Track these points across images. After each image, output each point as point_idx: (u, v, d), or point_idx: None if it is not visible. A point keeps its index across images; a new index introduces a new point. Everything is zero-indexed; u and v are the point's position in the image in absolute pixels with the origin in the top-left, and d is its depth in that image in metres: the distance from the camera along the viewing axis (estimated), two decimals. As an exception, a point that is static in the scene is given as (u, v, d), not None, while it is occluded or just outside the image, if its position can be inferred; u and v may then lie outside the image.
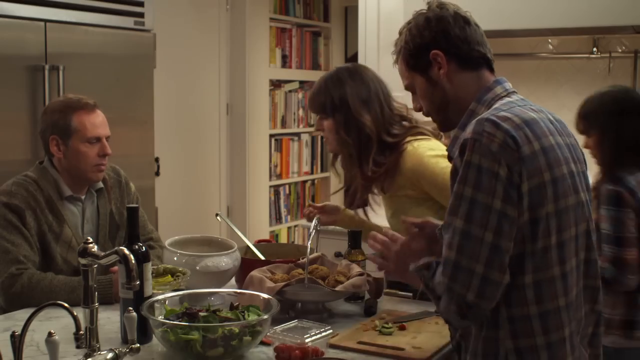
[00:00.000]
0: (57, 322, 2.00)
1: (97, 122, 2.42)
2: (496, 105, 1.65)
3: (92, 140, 2.39)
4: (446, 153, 2.12)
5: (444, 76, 1.71)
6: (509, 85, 1.75)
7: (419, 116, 2.27)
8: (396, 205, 2.37)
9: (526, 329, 1.56)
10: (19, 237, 2.30)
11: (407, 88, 1.82)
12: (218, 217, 2.71)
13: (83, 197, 2.47)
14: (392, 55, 1.85)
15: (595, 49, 3.70)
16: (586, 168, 1.72)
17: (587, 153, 2.02)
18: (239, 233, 2.61)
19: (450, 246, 1.53)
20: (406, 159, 2.26)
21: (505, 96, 1.70)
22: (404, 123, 2.35)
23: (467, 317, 1.55)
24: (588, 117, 2.49)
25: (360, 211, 2.50)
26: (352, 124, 2.29)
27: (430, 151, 2.23)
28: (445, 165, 2.15)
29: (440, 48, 1.70)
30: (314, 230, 2.27)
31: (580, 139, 1.94)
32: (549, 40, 3.86)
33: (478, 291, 1.50)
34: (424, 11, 1.76)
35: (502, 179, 1.50)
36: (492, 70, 1.77)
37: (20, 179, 2.41)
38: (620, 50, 3.71)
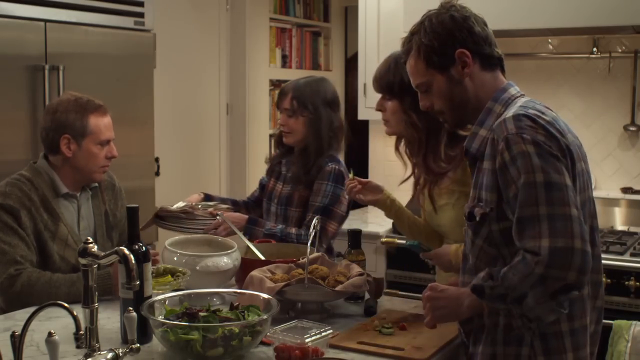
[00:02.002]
0: (57, 322, 2.00)
1: (109, 125, 2.49)
2: (518, 104, 1.69)
3: (104, 143, 2.46)
4: None
5: (468, 75, 1.73)
6: (518, 88, 1.81)
7: None
8: (445, 200, 2.24)
9: None
10: (15, 238, 2.31)
11: (418, 87, 1.81)
12: (218, 217, 2.71)
13: (78, 194, 2.50)
14: (402, 54, 1.84)
15: (595, 49, 3.70)
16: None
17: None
18: (239, 233, 2.61)
19: (540, 235, 1.53)
20: None
21: (519, 97, 1.75)
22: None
23: (562, 304, 1.55)
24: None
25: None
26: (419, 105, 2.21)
27: None
28: None
29: (467, 47, 1.73)
30: (314, 230, 2.27)
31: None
32: (549, 40, 3.86)
33: (579, 267, 1.51)
34: (444, 11, 1.76)
35: (562, 160, 1.58)
36: (504, 71, 1.82)
37: (13, 178, 2.42)
38: (620, 50, 3.71)
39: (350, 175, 2.44)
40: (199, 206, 2.78)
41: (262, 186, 3.05)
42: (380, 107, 2.29)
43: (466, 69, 1.73)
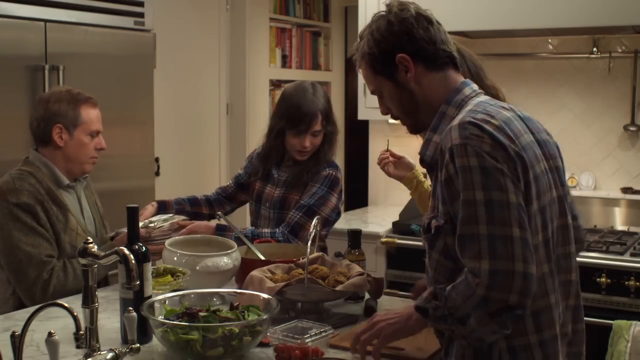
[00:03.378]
0: (57, 322, 2.00)
1: (99, 117, 2.53)
2: (468, 108, 1.63)
3: (94, 134, 2.50)
4: None
5: (412, 79, 1.68)
6: (476, 86, 1.73)
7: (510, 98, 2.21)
8: None
9: (519, 327, 1.55)
10: (37, 237, 2.35)
11: (373, 93, 1.77)
12: (218, 217, 2.72)
13: (75, 185, 2.56)
14: (353, 60, 1.79)
15: (595, 49, 3.70)
16: (561, 163, 1.72)
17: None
18: (239, 233, 2.61)
19: (480, 256, 1.48)
20: None
21: (474, 97, 1.68)
22: None
23: (504, 324, 1.50)
24: None
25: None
26: None
27: None
28: None
29: (406, 51, 1.67)
30: (314, 230, 2.27)
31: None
32: (549, 40, 3.86)
33: (521, 290, 1.46)
34: (384, 13, 1.71)
35: (507, 174, 1.50)
36: (457, 68, 1.74)
37: (17, 174, 2.43)
38: (620, 50, 3.71)
39: (387, 147, 2.44)
40: (153, 224, 2.62)
41: (241, 184, 2.96)
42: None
43: (409, 73, 1.67)
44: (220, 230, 2.65)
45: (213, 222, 2.72)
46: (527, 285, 1.47)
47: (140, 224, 2.48)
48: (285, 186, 2.80)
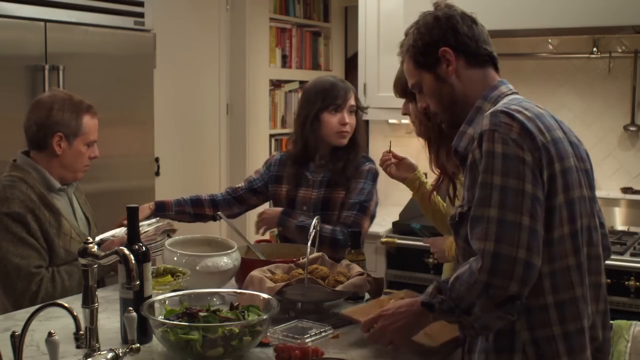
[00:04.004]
0: (57, 322, 2.00)
1: (96, 126, 2.54)
2: (504, 101, 1.68)
3: (91, 144, 2.50)
4: None
5: (453, 73, 1.73)
6: (511, 86, 1.78)
7: None
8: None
9: (543, 319, 1.57)
10: (26, 248, 2.32)
11: (413, 87, 1.82)
12: (218, 217, 2.71)
13: (67, 188, 2.56)
14: (397, 56, 1.85)
15: (595, 49, 3.69)
16: (590, 167, 1.75)
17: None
18: (239, 233, 2.61)
19: (486, 237, 1.51)
20: None
21: (510, 94, 1.73)
22: None
23: (508, 312, 1.52)
24: None
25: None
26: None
27: None
28: None
29: (449, 45, 1.72)
30: (314, 230, 2.27)
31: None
32: (549, 40, 3.86)
33: (522, 279, 1.49)
34: (432, 11, 1.77)
35: (529, 164, 1.53)
36: (497, 69, 1.80)
37: (7, 180, 2.40)
38: (620, 50, 3.70)
39: (389, 147, 2.44)
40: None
41: (253, 189, 2.90)
42: (405, 111, 2.31)
43: (450, 66, 1.72)
44: (286, 215, 2.66)
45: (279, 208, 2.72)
46: (528, 274, 1.49)
47: (124, 230, 2.46)
48: (325, 186, 2.72)
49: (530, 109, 1.63)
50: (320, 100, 2.68)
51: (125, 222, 2.66)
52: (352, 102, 2.71)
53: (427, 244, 2.35)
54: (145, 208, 2.77)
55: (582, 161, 1.71)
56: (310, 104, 2.72)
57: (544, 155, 1.56)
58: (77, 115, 2.46)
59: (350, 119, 2.70)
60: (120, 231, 2.52)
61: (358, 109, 2.75)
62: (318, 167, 2.76)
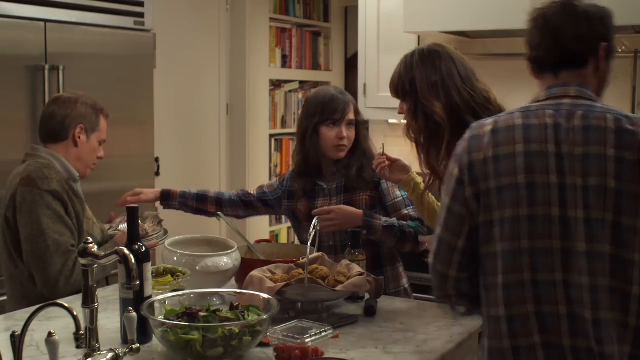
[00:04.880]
0: (57, 322, 2.00)
1: (106, 128, 2.65)
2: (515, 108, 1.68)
3: (102, 143, 2.63)
4: None
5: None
6: (557, 91, 1.63)
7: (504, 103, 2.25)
8: None
9: (496, 329, 1.57)
10: (63, 227, 2.40)
11: None
12: (218, 217, 2.71)
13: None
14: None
15: (595, 49, 3.69)
16: (610, 183, 1.48)
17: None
18: (239, 233, 2.61)
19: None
20: None
21: (539, 100, 1.64)
22: (490, 108, 2.21)
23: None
24: None
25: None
26: (419, 109, 2.20)
27: None
28: None
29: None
30: (314, 230, 2.27)
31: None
32: (549, 40, 3.85)
33: (435, 285, 1.68)
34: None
35: (455, 178, 1.62)
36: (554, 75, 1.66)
37: (38, 164, 2.47)
38: (620, 50, 3.70)
39: (381, 151, 2.44)
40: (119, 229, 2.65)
41: (264, 201, 2.82)
42: (401, 110, 2.31)
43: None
44: (368, 217, 2.57)
45: None
46: (436, 280, 1.67)
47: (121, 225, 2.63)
48: (343, 192, 2.67)
49: (498, 121, 1.60)
50: (319, 113, 2.66)
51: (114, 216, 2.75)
52: (350, 116, 2.66)
53: (425, 242, 2.36)
54: (151, 193, 2.82)
55: (581, 176, 1.50)
56: (309, 116, 2.70)
57: (468, 172, 1.58)
58: (96, 112, 2.59)
59: (349, 133, 2.66)
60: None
61: (358, 123, 2.71)
62: (331, 175, 2.71)
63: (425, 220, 2.49)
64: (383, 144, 2.50)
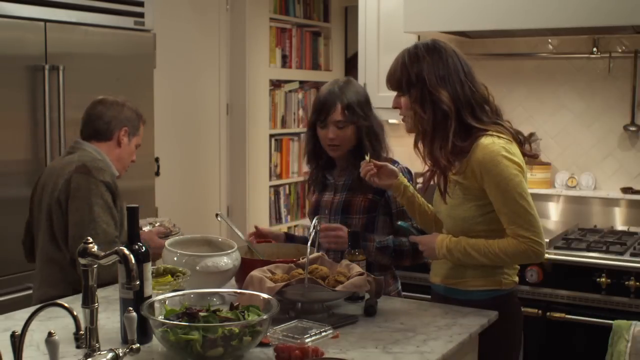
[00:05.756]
0: (57, 322, 2.00)
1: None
2: None
3: (137, 147, 2.83)
4: (521, 162, 2.17)
5: None
6: None
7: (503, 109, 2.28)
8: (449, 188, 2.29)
9: None
10: (110, 217, 2.51)
11: None
12: (218, 217, 2.72)
13: None
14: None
15: (595, 49, 3.69)
16: None
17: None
18: (239, 233, 2.61)
19: None
20: (478, 149, 2.17)
21: None
22: (487, 108, 2.25)
23: None
24: None
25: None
26: (427, 99, 2.20)
27: (506, 152, 2.16)
28: (515, 173, 2.14)
29: None
30: (314, 231, 2.27)
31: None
32: (549, 40, 3.85)
33: None
34: None
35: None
36: None
37: (93, 156, 2.62)
38: (620, 50, 3.70)
39: (367, 159, 2.44)
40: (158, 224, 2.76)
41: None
42: (396, 105, 2.31)
43: None
44: (364, 239, 2.52)
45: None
46: None
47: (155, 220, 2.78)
48: (347, 190, 2.66)
49: None
50: (314, 112, 2.68)
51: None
52: (336, 117, 2.59)
53: (417, 242, 2.36)
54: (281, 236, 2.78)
55: None
56: (311, 114, 2.73)
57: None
58: (139, 118, 2.80)
59: (338, 133, 2.60)
60: (154, 220, 2.75)
61: (354, 123, 2.62)
62: (342, 170, 2.71)
63: (417, 221, 2.48)
64: (368, 153, 2.49)
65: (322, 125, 2.63)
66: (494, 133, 2.19)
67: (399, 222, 2.49)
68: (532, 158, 2.33)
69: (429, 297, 2.47)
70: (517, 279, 2.35)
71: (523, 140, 2.28)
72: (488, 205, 2.19)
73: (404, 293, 2.75)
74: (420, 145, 2.26)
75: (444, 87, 2.19)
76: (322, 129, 2.65)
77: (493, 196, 2.17)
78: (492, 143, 2.16)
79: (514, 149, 2.20)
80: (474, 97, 2.22)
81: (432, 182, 2.32)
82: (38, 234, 2.64)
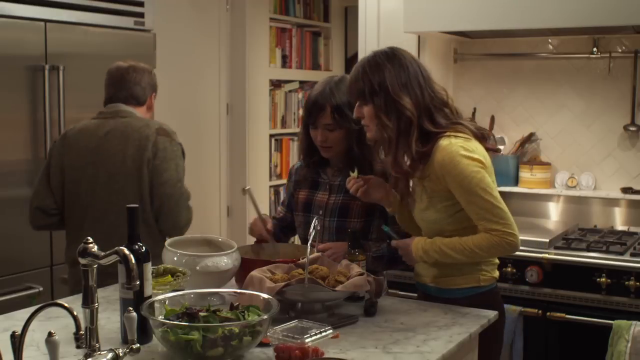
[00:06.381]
0: (57, 322, 2.00)
1: None
2: None
3: None
4: (481, 157, 2.17)
5: None
6: None
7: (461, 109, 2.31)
8: (416, 193, 2.33)
9: None
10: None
11: None
12: (246, 191, 2.77)
13: None
14: None
15: (595, 49, 3.69)
16: None
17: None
18: (259, 211, 2.64)
19: None
20: (438, 151, 2.20)
21: None
22: (446, 111, 2.27)
23: None
24: None
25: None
26: (391, 106, 2.22)
27: (465, 151, 2.18)
28: (476, 170, 2.16)
29: None
30: (314, 230, 2.27)
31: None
32: (549, 40, 3.85)
33: None
34: None
35: None
36: None
37: (157, 121, 2.87)
38: (620, 50, 3.70)
39: (354, 174, 2.43)
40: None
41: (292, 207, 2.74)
42: (358, 114, 2.31)
43: None
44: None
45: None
46: None
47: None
48: (344, 191, 2.56)
49: None
50: (305, 113, 2.62)
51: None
52: (325, 120, 2.52)
53: (397, 247, 2.36)
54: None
55: None
56: (302, 113, 2.68)
57: None
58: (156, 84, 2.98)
59: (328, 135, 2.53)
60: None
61: (344, 127, 2.52)
62: (337, 170, 2.64)
63: (404, 226, 2.47)
64: (356, 169, 2.47)
65: (313, 127, 2.58)
66: (452, 133, 2.22)
67: (383, 227, 2.47)
68: (494, 152, 2.35)
69: (416, 295, 2.49)
70: (496, 274, 2.38)
71: (485, 136, 2.31)
72: (456, 204, 2.23)
73: (407, 293, 2.76)
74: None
75: (406, 94, 2.22)
76: (313, 130, 2.59)
77: (458, 196, 2.20)
78: (450, 144, 2.20)
79: (473, 145, 2.22)
80: (432, 102, 2.25)
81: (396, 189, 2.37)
82: (102, 194, 2.74)
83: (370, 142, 2.36)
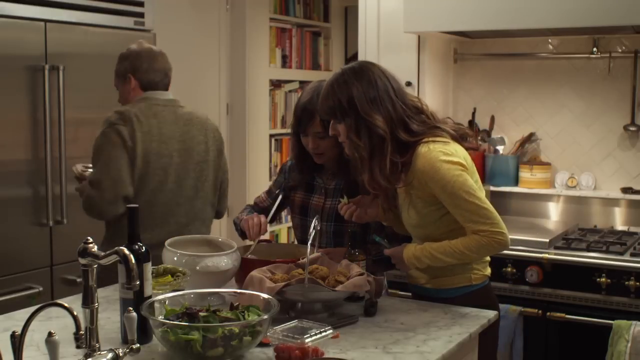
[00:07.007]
0: (57, 322, 2.00)
1: None
2: None
3: None
4: (461, 160, 2.16)
5: None
6: None
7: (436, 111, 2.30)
8: (402, 200, 2.33)
9: None
10: None
11: None
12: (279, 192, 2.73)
13: None
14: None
15: (595, 49, 3.69)
16: None
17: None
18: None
19: None
20: (418, 159, 2.19)
21: None
22: (422, 117, 2.25)
23: None
24: None
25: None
26: (362, 125, 2.19)
27: (444, 156, 2.17)
28: (457, 173, 2.15)
29: None
30: (314, 231, 2.27)
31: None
32: (549, 40, 3.85)
33: None
34: None
35: None
36: None
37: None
38: (620, 50, 3.70)
39: (345, 200, 2.43)
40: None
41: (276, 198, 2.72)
42: (333, 132, 2.28)
43: None
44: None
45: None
46: None
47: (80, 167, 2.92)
48: (340, 196, 2.53)
49: None
50: (294, 120, 2.59)
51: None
52: (316, 128, 2.48)
53: (390, 256, 2.36)
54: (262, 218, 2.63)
55: None
56: (292, 120, 2.64)
57: None
58: None
59: (320, 143, 2.50)
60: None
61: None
62: (331, 174, 2.63)
63: (399, 230, 2.46)
64: (345, 196, 2.46)
65: (304, 134, 2.55)
66: (430, 139, 2.21)
67: (374, 237, 2.46)
68: (472, 150, 2.37)
69: (410, 294, 2.50)
70: (488, 271, 2.38)
71: (464, 135, 2.30)
72: (442, 208, 2.22)
73: (407, 293, 2.75)
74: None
75: (376, 111, 2.18)
76: (304, 137, 2.56)
77: (443, 200, 2.19)
78: (429, 150, 2.18)
79: (452, 148, 2.21)
80: (405, 113, 2.22)
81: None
82: (180, 181, 2.87)
83: (347, 157, 2.33)
